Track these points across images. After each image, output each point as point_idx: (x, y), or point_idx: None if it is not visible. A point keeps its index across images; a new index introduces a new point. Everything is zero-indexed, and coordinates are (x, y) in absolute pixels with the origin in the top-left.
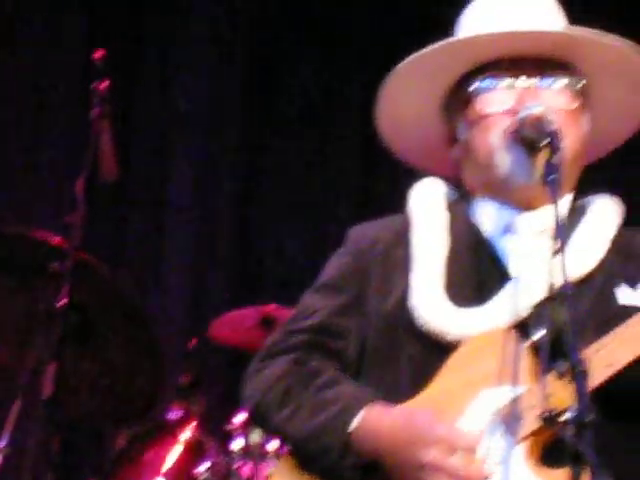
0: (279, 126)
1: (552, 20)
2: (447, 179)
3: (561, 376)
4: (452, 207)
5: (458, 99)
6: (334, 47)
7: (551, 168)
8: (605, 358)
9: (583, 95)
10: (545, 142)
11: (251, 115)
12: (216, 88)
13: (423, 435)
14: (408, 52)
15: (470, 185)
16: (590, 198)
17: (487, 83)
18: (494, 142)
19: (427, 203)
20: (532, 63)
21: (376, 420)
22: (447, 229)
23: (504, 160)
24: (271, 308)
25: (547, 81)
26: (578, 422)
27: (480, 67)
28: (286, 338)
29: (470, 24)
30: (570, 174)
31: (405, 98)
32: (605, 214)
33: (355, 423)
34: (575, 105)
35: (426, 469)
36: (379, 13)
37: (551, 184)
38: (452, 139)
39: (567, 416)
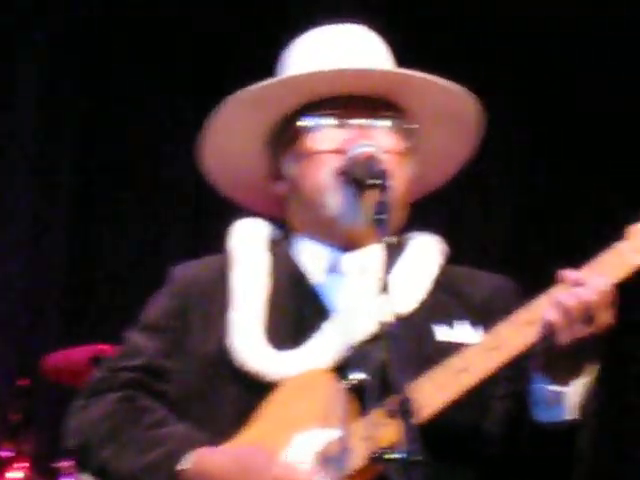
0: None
1: (381, 61)
2: (271, 218)
3: (388, 415)
4: (274, 247)
5: (286, 134)
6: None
7: (381, 207)
8: (421, 400)
9: (412, 137)
10: (375, 181)
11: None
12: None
13: (260, 476)
14: None
15: (294, 223)
16: (410, 235)
17: (317, 120)
18: (323, 181)
19: (247, 243)
20: (363, 102)
21: (208, 461)
22: (268, 269)
23: (333, 200)
24: (103, 347)
25: (377, 121)
26: (406, 461)
27: (311, 103)
28: (112, 376)
29: (299, 61)
30: (395, 215)
31: (230, 132)
32: (425, 252)
33: (185, 463)
34: (403, 146)
35: None
36: None
37: (380, 224)
38: (277, 175)
39: (395, 455)
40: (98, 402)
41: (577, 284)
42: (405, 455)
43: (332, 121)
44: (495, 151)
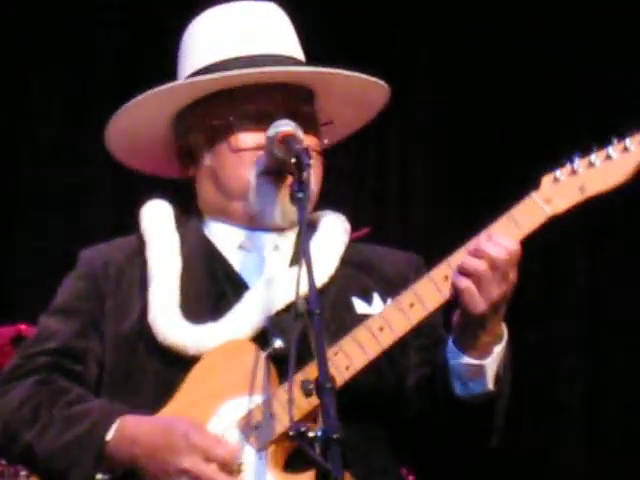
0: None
1: (290, 46)
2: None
3: (305, 392)
4: (183, 226)
5: (201, 123)
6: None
7: (300, 186)
8: (343, 360)
9: (327, 135)
10: (295, 159)
11: None
12: None
13: (181, 442)
14: None
15: (206, 204)
16: (319, 214)
17: (240, 119)
18: (247, 180)
19: (158, 223)
20: (279, 91)
21: (132, 427)
22: (178, 248)
23: (255, 198)
24: (22, 327)
25: (297, 121)
26: (325, 439)
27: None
28: (26, 361)
29: (204, 49)
30: (310, 204)
31: (137, 112)
32: (334, 230)
33: (111, 433)
34: (321, 145)
35: (183, 475)
36: None
37: (299, 202)
38: (187, 155)
39: (315, 432)
40: (15, 388)
41: (488, 240)
42: (326, 433)
43: (253, 119)
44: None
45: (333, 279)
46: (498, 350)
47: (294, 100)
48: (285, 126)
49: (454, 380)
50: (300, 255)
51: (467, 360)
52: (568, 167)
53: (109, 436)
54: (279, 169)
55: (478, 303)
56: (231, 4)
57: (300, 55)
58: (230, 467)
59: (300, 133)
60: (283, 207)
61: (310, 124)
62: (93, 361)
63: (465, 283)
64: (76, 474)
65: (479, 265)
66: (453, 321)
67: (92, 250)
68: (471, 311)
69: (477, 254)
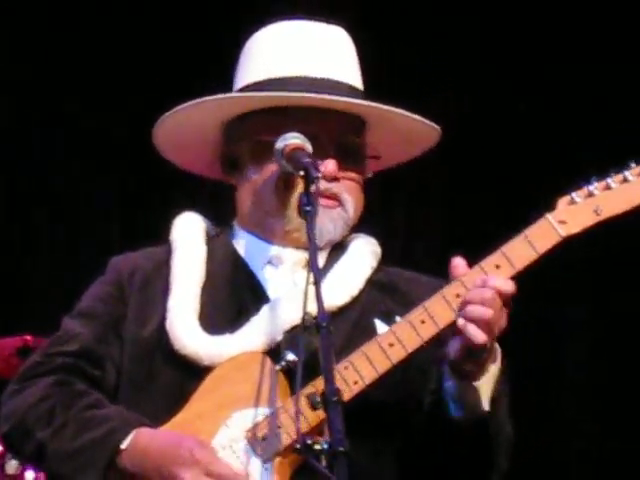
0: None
1: (348, 72)
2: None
3: (311, 406)
4: (213, 239)
5: (249, 135)
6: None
7: (308, 198)
8: (352, 375)
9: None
10: (302, 173)
11: None
12: None
13: (186, 455)
14: None
15: (243, 217)
16: (352, 237)
17: (287, 144)
18: (290, 199)
19: (187, 235)
20: (333, 121)
21: (147, 440)
22: (204, 259)
23: (296, 216)
24: (27, 338)
25: (343, 153)
26: (332, 452)
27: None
28: (46, 361)
29: (262, 64)
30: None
31: (188, 119)
32: (362, 253)
33: (126, 442)
34: (363, 177)
35: None
36: None
37: (307, 214)
38: (231, 164)
39: (318, 446)
40: (32, 387)
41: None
42: (332, 446)
43: (302, 148)
44: None
45: (356, 300)
46: (493, 369)
47: (344, 129)
48: (293, 139)
49: (449, 402)
50: (308, 271)
51: (458, 382)
52: (585, 189)
53: (124, 445)
54: (288, 182)
55: (481, 336)
56: (296, 22)
57: (358, 82)
58: None
59: (309, 146)
60: (321, 227)
61: (355, 157)
62: (112, 367)
63: (460, 322)
64: (86, 477)
65: (474, 312)
66: (452, 349)
67: (121, 257)
68: (472, 346)
69: (472, 295)
